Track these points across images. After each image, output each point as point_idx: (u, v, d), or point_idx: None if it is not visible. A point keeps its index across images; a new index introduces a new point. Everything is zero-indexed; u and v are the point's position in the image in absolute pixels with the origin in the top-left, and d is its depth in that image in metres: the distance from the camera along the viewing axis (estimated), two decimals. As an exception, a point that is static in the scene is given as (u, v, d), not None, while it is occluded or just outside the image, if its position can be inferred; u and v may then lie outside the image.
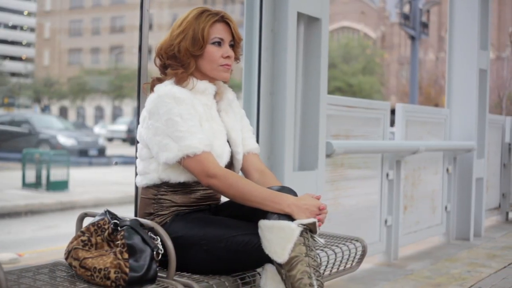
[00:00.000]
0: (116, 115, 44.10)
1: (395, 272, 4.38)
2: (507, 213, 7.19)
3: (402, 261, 4.73)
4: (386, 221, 4.63)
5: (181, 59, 2.19)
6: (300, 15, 3.44)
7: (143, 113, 2.17)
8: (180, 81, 2.18)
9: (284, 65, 3.32)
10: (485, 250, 5.29)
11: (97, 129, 33.80)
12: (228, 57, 2.22)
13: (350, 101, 4.29)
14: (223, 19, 2.22)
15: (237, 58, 2.29)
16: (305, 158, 3.53)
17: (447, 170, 5.57)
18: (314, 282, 1.95)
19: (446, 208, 5.59)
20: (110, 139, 30.73)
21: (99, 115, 48.57)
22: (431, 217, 5.38)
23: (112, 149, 22.64)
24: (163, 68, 2.24)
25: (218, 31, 2.21)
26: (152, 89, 2.20)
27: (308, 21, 3.54)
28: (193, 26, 2.18)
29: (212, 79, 2.25)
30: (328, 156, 3.68)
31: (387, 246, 4.67)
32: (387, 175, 4.62)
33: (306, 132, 3.53)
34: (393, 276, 4.25)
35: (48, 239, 7.66)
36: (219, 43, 2.21)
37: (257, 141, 3.26)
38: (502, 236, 6.07)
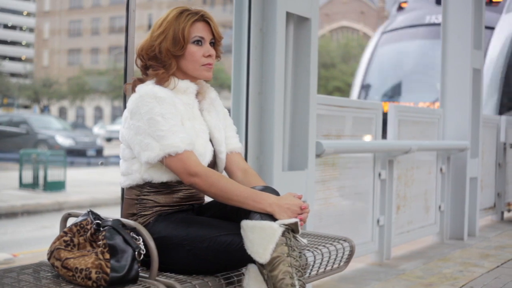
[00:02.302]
0: (115, 115, 44.14)
1: (387, 272, 4.37)
2: (502, 213, 7.19)
3: (395, 261, 4.72)
4: (378, 221, 4.63)
5: (162, 60, 2.19)
6: (289, 15, 3.43)
7: (125, 113, 2.17)
8: (161, 82, 2.18)
9: (273, 65, 3.32)
10: (478, 249, 5.29)
11: (96, 129, 33.85)
12: (209, 56, 2.23)
13: (342, 101, 4.29)
14: (203, 18, 2.22)
15: (218, 56, 2.29)
16: (294, 158, 3.53)
17: (441, 169, 5.56)
18: (296, 282, 1.95)
19: (440, 207, 5.59)
20: (109, 139, 30.77)
21: (98, 115, 48.62)
22: (424, 217, 5.38)
23: (111, 149, 22.63)
24: (144, 68, 2.24)
25: (199, 30, 2.21)
26: (133, 89, 2.20)
27: (298, 21, 3.54)
28: (173, 26, 2.18)
29: (194, 79, 2.26)
30: (318, 156, 3.67)
31: (379, 246, 4.67)
32: (379, 174, 4.61)
33: (295, 132, 3.53)
34: (384, 276, 4.25)
35: (44, 240, 7.65)
36: (200, 42, 2.22)
37: (246, 141, 3.27)
38: (496, 235, 6.07)
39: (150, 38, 2.20)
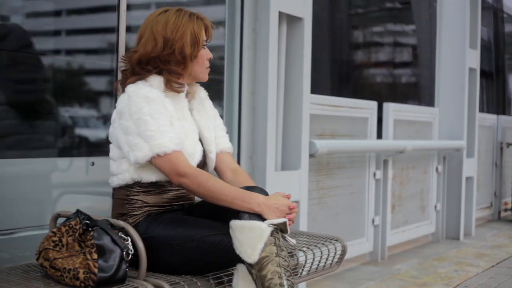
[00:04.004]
0: (114, 115, 44.12)
1: (381, 271, 4.37)
2: (499, 212, 7.19)
3: (390, 261, 4.72)
4: (373, 221, 4.63)
5: (186, 64, 2.18)
6: (282, 15, 3.43)
7: (114, 114, 2.16)
8: (174, 85, 2.17)
9: (265, 65, 3.32)
10: (474, 249, 5.29)
11: (95, 130, 33.76)
12: (210, 58, 2.26)
13: (336, 101, 4.29)
14: (204, 22, 2.23)
15: None
16: (287, 158, 3.53)
17: (437, 169, 5.56)
18: (285, 282, 1.94)
19: (435, 207, 5.59)
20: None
21: (97, 116, 48.61)
22: (420, 217, 5.38)
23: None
24: (146, 71, 2.18)
25: (204, 34, 2.23)
26: (123, 89, 2.18)
27: (291, 21, 3.53)
28: (189, 30, 2.17)
29: (192, 80, 2.25)
30: (311, 155, 3.67)
31: (374, 245, 4.67)
32: (374, 174, 4.61)
33: (288, 132, 3.53)
34: (379, 275, 4.25)
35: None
36: (205, 46, 2.23)
37: (239, 141, 3.27)
38: (492, 235, 6.07)
39: (164, 42, 2.14)
